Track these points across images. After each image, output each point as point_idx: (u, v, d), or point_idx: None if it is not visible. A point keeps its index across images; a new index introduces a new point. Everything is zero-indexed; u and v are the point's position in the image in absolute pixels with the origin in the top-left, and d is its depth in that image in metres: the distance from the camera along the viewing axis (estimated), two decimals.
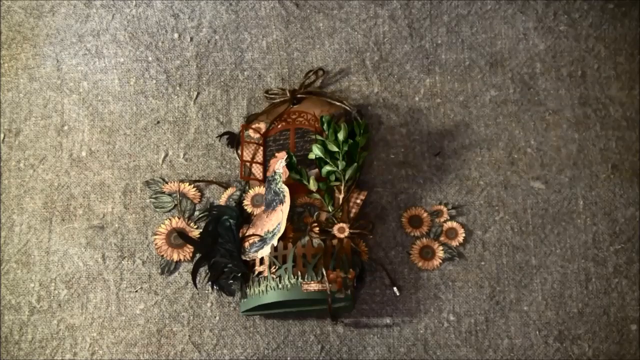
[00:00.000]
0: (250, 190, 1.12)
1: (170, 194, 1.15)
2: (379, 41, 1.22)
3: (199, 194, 1.15)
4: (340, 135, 1.08)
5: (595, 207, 1.14)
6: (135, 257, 1.12)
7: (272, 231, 1.06)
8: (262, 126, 1.17)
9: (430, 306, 1.10)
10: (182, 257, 1.12)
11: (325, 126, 1.10)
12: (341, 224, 1.07)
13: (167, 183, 1.16)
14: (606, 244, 1.13)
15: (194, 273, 1.09)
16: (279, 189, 1.07)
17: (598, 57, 1.21)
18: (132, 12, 1.23)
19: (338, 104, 1.17)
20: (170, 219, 1.13)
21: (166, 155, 1.17)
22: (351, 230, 1.07)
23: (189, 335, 1.09)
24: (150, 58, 1.21)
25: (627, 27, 1.23)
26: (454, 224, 1.13)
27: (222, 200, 1.13)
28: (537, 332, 1.09)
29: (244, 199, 1.11)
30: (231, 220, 1.09)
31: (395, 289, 1.09)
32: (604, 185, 1.15)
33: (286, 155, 1.09)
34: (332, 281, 1.02)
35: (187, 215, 1.14)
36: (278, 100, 1.18)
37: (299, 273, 1.02)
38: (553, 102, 1.19)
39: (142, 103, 1.20)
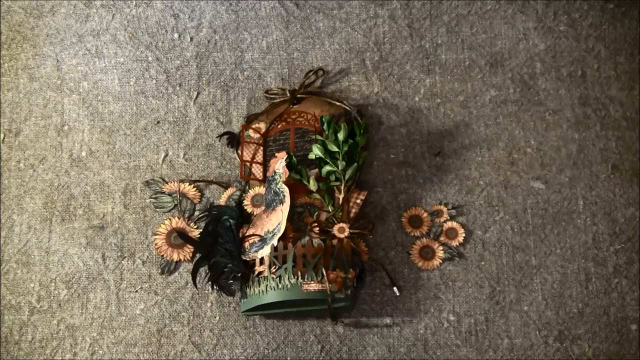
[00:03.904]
0: (250, 190, 1.12)
1: (170, 194, 1.15)
2: (379, 41, 1.22)
3: (199, 194, 1.15)
4: (340, 135, 1.08)
5: (595, 207, 1.14)
6: (135, 257, 1.12)
7: (272, 231, 1.06)
8: (262, 126, 1.17)
9: (430, 306, 1.10)
10: (182, 257, 1.12)
11: (325, 126, 1.10)
12: (341, 224, 1.07)
13: (167, 183, 1.16)
14: (606, 244, 1.13)
15: (194, 273, 1.09)
16: (279, 189, 1.07)
17: (598, 57, 1.21)
18: (132, 12, 1.23)
19: (338, 104, 1.17)
20: (170, 219, 1.13)
21: (166, 155, 1.17)
22: (351, 230, 1.07)
23: (189, 335, 1.09)
24: (150, 58, 1.22)
25: (627, 27, 1.23)
26: (454, 224, 1.13)
27: (222, 200, 1.13)
28: (537, 332, 1.09)
29: (244, 199, 1.11)
30: (231, 220, 1.09)
31: (395, 289, 1.09)
32: (604, 185, 1.15)
33: (286, 155, 1.09)
34: (332, 281, 1.02)
35: (187, 215, 1.14)
36: (278, 100, 1.18)
37: (299, 273, 1.02)
38: (553, 102, 1.19)
39: (142, 103, 1.20)
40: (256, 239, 1.07)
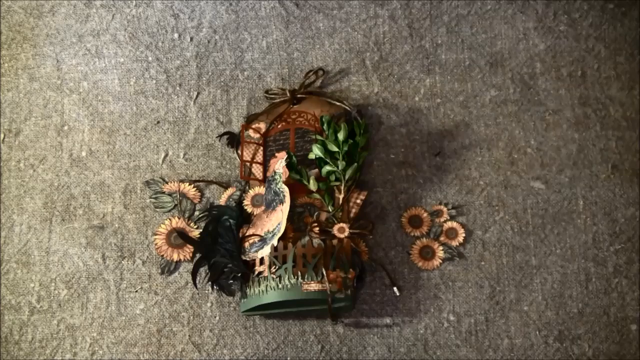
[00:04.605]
0: (250, 190, 1.12)
1: (170, 194, 1.15)
2: (379, 41, 1.22)
3: (199, 194, 1.15)
4: (340, 135, 1.08)
5: (595, 207, 1.14)
6: (135, 257, 1.12)
7: (272, 231, 1.06)
8: (262, 126, 1.17)
9: (430, 306, 1.10)
10: (182, 257, 1.12)
11: (325, 126, 1.10)
12: (341, 224, 1.07)
13: (167, 183, 1.16)
14: (606, 244, 1.13)
15: (194, 273, 1.09)
16: (279, 189, 1.07)
17: (598, 57, 1.21)
18: (132, 12, 1.23)
19: (338, 104, 1.17)
20: (170, 219, 1.13)
21: (166, 155, 1.17)
22: (351, 230, 1.07)
23: (189, 335, 1.09)
24: (150, 58, 1.22)
25: (627, 27, 1.23)
26: (454, 224, 1.13)
27: (222, 200, 1.13)
28: (537, 332, 1.09)
29: (244, 199, 1.11)
30: (231, 220, 1.09)
31: (395, 289, 1.09)
32: (604, 185, 1.15)
33: (286, 155, 1.08)
34: (332, 281, 1.02)
35: (187, 215, 1.14)
36: (278, 100, 1.18)
37: (299, 273, 1.02)
38: (553, 102, 1.19)
39: (142, 103, 1.20)
40: (256, 239, 1.07)
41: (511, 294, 1.10)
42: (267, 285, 1.03)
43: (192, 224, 1.13)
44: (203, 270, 1.10)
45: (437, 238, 1.12)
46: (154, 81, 1.21)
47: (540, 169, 1.16)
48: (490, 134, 1.18)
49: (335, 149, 1.08)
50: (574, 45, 1.22)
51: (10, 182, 1.17)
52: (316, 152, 1.09)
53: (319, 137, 1.11)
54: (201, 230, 1.10)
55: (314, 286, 1.02)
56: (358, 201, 1.11)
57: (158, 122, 1.19)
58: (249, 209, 1.11)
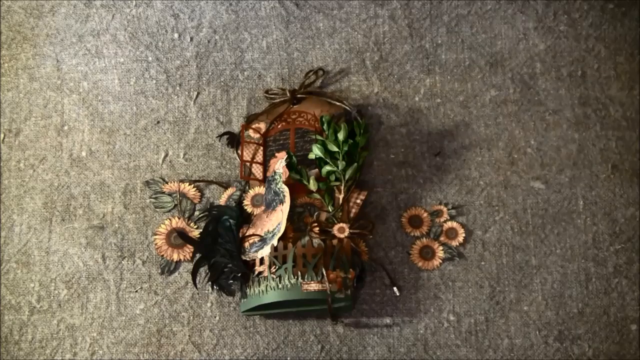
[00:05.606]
0: (250, 190, 1.12)
1: (170, 194, 1.15)
2: (379, 41, 1.22)
3: (199, 194, 1.15)
4: (340, 135, 1.08)
5: (595, 207, 1.14)
6: (135, 257, 1.12)
7: (272, 231, 1.06)
8: (262, 126, 1.17)
9: (430, 306, 1.10)
10: (182, 257, 1.12)
11: (325, 126, 1.10)
12: (341, 224, 1.07)
13: (167, 183, 1.16)
14: (606, 244, 1.13)
15: (194, 273, 1.09)
16: (279, 189, 1.07)
17: (598, 57, 1.21)
18: (132, 12, 1.23)
19: (338, 104, 1.17)
20: (170, 219, 1.13)
21: (166, 155, 1.17)
22: (351, 230, 1.07)
23: (189, 335, 1.09)
24: (150, 58, 1.22)
25: (627, 27, 1.23)
26: (454, 224, 1.13)
27: (222, 200, 1.13)
28: (537, 332, 1.09)
29: (244, 199, 1.12)
30: (231, 220, 1.09)
31: (395, 289, 1.09)
32: (604, 185, 1.15)
33: (286, 155, 1.09)
34: (332, 281, 1.02)
35: (187, 215, 1.14)
36: (278, 100, 1.18)
37: (299, 273, 1.02)
38: (553, 102, 1.19)
39: (142, 103, 1.20)
40: (256, 239, 1.07)
41: (511, 294, 1.10)
42: (267, 285, 1.03)
43: (192, 224, 1.13)
44: (203, 270, 1.10)
45: (437, 238, 1.12)
46: (154, 81, 1.21)
47: (540, 169, 1.16)
48: (490, 134, 1.18)
49: (335, 149, 1.08)
50: (574, 45, 1.22)
51: (10, 182, 1.17)
52: (316, 152, 1.09)
53: (319, 137, 1.11)
54: (201, 230, 1.10)
55: (314, 286, 1.02)
56: (358, 201, 1.11)
57: (158, 122, 1.19)
58: (249, 209, 1.11)
